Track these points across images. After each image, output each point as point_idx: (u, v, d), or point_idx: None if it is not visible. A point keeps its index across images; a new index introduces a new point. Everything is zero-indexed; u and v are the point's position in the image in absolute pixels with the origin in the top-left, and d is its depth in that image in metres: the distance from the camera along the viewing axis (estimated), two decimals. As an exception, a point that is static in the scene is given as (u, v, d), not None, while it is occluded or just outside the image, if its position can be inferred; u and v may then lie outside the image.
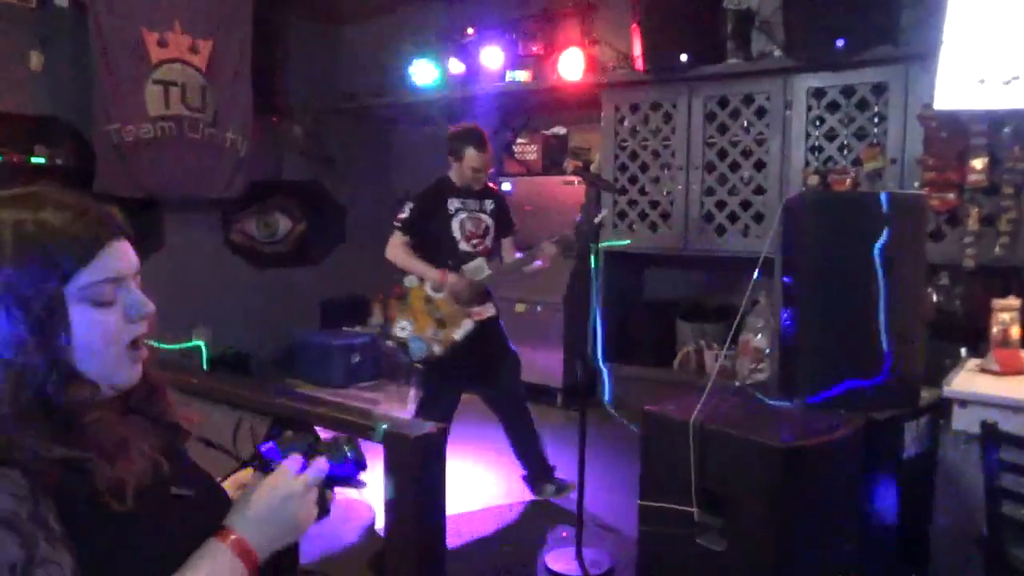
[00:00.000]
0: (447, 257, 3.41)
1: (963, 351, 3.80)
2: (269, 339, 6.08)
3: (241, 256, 6.06)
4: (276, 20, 5.93)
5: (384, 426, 1.49)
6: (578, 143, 5.64)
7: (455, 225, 3.43)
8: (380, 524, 3.27)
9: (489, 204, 3.54)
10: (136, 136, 5.07)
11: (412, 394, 3.48)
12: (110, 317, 0.94)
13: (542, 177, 5.49)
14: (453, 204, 3.45)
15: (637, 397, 4.93)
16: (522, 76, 5.32)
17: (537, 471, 3.57)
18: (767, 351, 4.61)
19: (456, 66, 5.61)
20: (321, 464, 1.02)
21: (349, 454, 1.04)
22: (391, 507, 1.51)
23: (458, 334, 3.36)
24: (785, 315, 2.59)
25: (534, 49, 5.30)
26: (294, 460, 1.01)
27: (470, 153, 3.43)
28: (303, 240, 6.45)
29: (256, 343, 6.01)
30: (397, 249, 3.46)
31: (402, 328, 3.42)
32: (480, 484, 3.85)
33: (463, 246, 3.43)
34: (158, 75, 5.16)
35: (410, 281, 3.47)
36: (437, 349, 3.37)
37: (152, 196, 5.25)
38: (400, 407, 5.17)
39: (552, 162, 5.55)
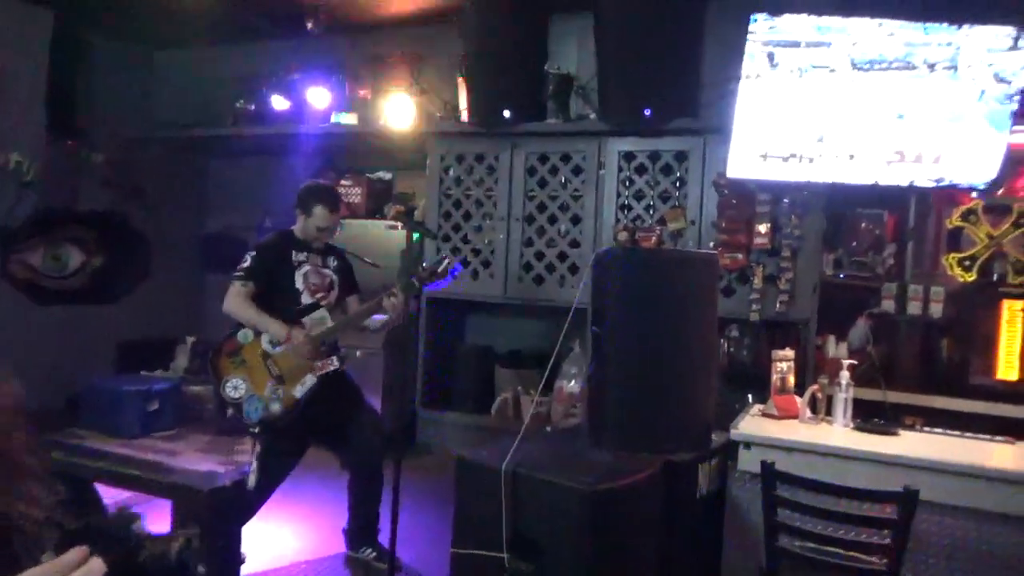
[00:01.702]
0: (289, 308, 3.27)
1: (750, 397, 4.17)
2: (52, 385, 5.45)
3: (21, 291, 5.42)
4: (80, 40, 5.49)
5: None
6: (403, 188, 5.66)
7: (299, 277, 3.33)
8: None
9: (332, 261, 3.47)
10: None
11: (253, 451, 3.20)
12: None
13: (366, 220, 5.44)
14: (297, 256, 3.35)
15: (456, 443, 4.95)
16: (349, 119, 5.28)
17: (363, 530, 3.43)
18: (579, 396, 4.80)
19: (280, 103, 5.46)
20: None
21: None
22: (179, 567, 1.39)
23: (299, 391, 3.20)
24: (593, 363, 2.71)
25: (361, 93, 5.28)
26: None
27: (319, 211, 3.35)
28: (99, 275, 5.91)
29: (40, 389, 5.33)
30: (237, 300, 3.26)
31: (235, 387, 3.24)
32: (286, 535, 3.65)
33: (305, 298, 3.31)
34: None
35: (244, 336, 3.27)
36: (276, 408, 3.19)
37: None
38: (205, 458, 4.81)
39: (377, 206, 5.52)
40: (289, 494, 3.81)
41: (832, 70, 3.81)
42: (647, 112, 4.28)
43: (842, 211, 4.19)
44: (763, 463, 2.19)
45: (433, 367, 5.18)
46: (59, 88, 5.20)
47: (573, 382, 4.83)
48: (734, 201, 4.27)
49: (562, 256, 4.80)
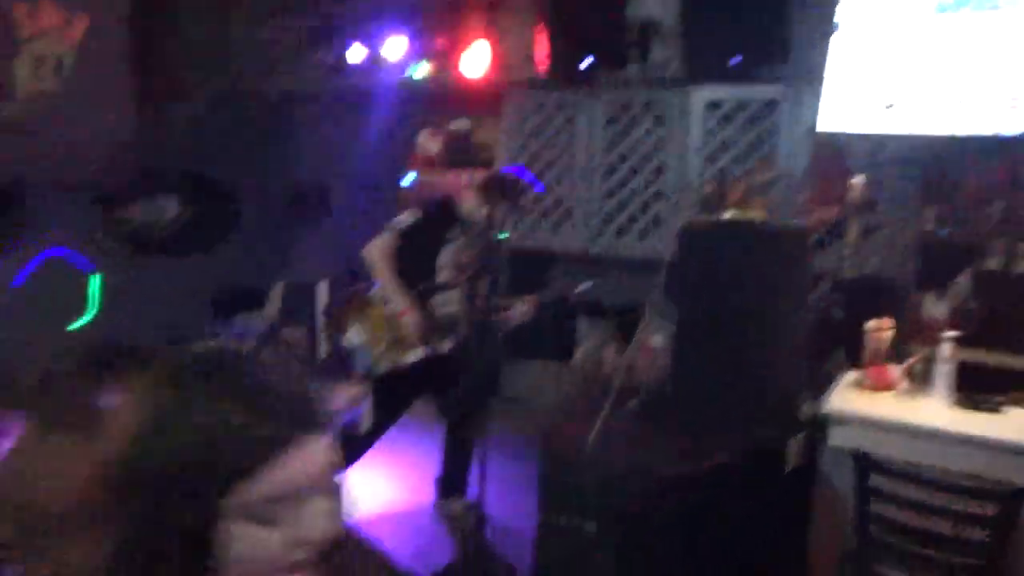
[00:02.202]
0: (424, 280, 3.28)
1: (841, 355, 4.06)
2: (153, 332, 5.77)
3: (123, 244, 5.70)
4: (162, -4, 5.58)
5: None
6: (482, 138, 5.61)
7: (445, 252, 3.29)
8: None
9: (484, 240, 3.35)
10: (2, 115, 4.67)
11: (366, 399, 3.35)
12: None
13: (444, 173, 5.43)
14: (453, 232, 3.30)
15: (538, 393, 5.04)
16: (425, 69, 5.22)
17: (453, 480, 3.54)
18: (663, 349, 4.77)
19: (357, 54, 5.44)
20: None
21: None
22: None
23: (408, 359, 3.25)
24: (677, 340, 2.68)
25: (439, 42, 5.20)
26: None
27: (500, 205, 3.25)
28: (192, 227, 6.14)
29: (142, 336, 5.69)
30: (380, 252, 3.24)
31: (353, 337, 3.30)
32: (379, 483, 3.81)
33: (443, 275, 3.30)
34: (28, 50, 4.76)
35: (377, 294, 3.32)
36: (383, 367, 3.27)
37: (23, 181, 4.86)
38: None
39: (456, 158, 5.50)
40: (382, 441, 3.98)
41: (943, 8, 3.54)
42: (735, 59, 4.07)
43: (946, 164, 3.93)
44: (856, 453, 2.14)
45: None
46: (146, 46, 5.31)
47: (657, 336, 4.80)
48: (828, 152, 4.06)
49: (644, 208, 4.71)
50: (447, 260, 3.30)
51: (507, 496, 3.57)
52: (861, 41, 3.65)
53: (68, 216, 5.28)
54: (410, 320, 3.21)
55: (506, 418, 4.37)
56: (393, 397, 3.38)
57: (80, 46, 4.98)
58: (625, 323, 5.01)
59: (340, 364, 5.59)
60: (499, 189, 3.31)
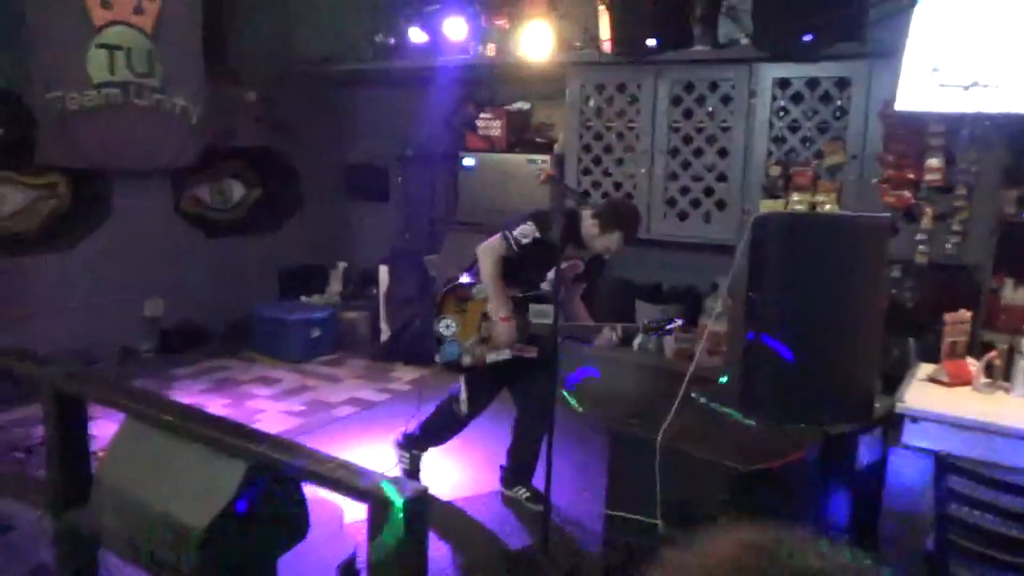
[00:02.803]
0: (522, 286, 3.35)
1: (911, 342, 3.96)
2: (224, 310, 5.97)
3: (193, 224, 5.88)
4: (227, -20, 5.65)
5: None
6: (542, 119, 5.58)
7: (555, 269, 3.28)
8: (347, 521, 3.34)
9: (588, 255, 3.44)
10: (80, 104, 4.83)
11: (464, 399, 3.51)
12: None
13: (505, 154, 5.43)
14: (569, 251, 3.30)
15: (598, 379, 5.04)
16: (486, 49, 5.20)
17: (519, 469, 3.59)
18: (724, 334, 4.72)
19: (418, 35, 5.45)
20: None
21: None
22: (373, 570, 1.53)
23: (492, 357, 3.35)
24: (750, 331, 2.64)
25: (499, 22, 5.17)
26: None
27: (616, 236, 3.29)
28: (258, 208, 6.30)
29: (210, 315, 5.90)
30: (492, 259, 3.29)
31: (446, 327, 3.39)
32: (448, 468, 3.89)
33: (545, 286, 3.36)
34: (101, 39, 4.90)
35: (479, 291, 3.39)
36: (467, 360, 3.38)
37: (98, 166, 5.03)
38: (363, 385, 5.17)
39: (516, 138, 5.49)
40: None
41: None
42: (807, 36, 3.94)
43: (1029, 143, 3.77)
44: (936, 456, 2.10)
45: (574, 300, 5.23)
46: (211, 31, 5.41)
47: (718, 321, 4.75)
48: (902, 132, 3.93)
49: (708, 191, 4.63)
50: (553, 275, 3.30)
51: (571, 483, 3.62)
52: (940, 17, 3.50)
53: (144, 199, 5.47)
54: (506, 328, 3.29)
55: (566, 405, 4.41)
56: (483, 386, 3.48)
57: (152, 33, 5.10)
58: (686, 308, 4.99)
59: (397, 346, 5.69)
60: (618, 221, 3.32)
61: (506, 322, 3.30)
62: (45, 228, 4.99)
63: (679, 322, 3.41)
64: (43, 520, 2.57)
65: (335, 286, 6.60)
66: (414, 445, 3.69)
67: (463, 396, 3.43)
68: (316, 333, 5.78)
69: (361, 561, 2.74)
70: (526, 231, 3.25)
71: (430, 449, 3.71)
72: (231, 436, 1.84)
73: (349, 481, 1.61)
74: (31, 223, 4.89)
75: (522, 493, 3.57)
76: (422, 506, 1.52)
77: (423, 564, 1.53)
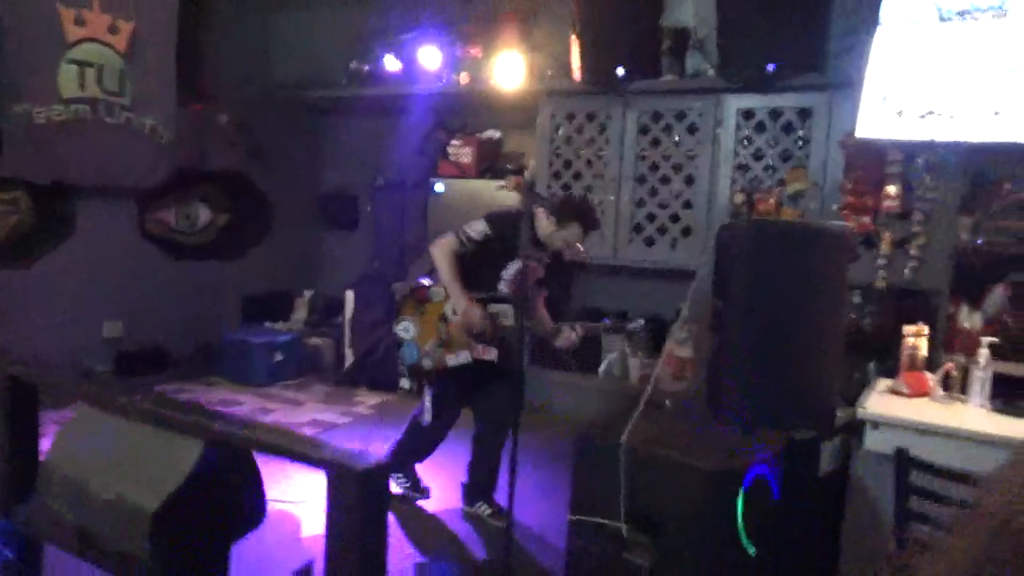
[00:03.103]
0: (479, 287, 3.33)
1: (871, 366, 4.02)
2: (187, 335, 5.86)
3: (158, 247, 5.80)
4: (203, 4, 5.70)
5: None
6: (513, 148, 5.66)
7: (511, 267, 3.33)
8: (305, 532, 3.25)
9: (546, 259, 3.45)
10: (48, 118, 4.79)
11: (427, 407, 3.47)
12: None
13: (475, 180, 5.49)
14: (525, 251, 3.24)
15: (563, 402, 5.03)
16: (460, 78, 5.29)
17: (480, 486, 3.55)
18: (690, 360, 4.75)
19: (392, 63, 5.53)
20: None
21: None
22: (331, 539, 1.49)
23: (452, 360, 3.34)
24: (715, 338, 2.67)
25: (472, 52, 5.27)
26: None
27: (574, 229, 3.32)
28: (225, 232, 6.24)
29: (173, 338, 5.79)
30: (447, 255, 3.29)
31: (405, 329, 3.39)
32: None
33: (502, 286, 3.36)
34: (73, 54, 4.89)
35: (436, 294, 3.38)
36: (427, 364, 3.36)
37: (64, 182, 4.97)
38: (327, 408, 5.09)
39: (486, 166, 5.55)
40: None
41: (976, 18, 3.53)
42: (771, 67, 4.09)
43: (983, 173, 3.90)
44: (897, 450, 2.12)
45: (541, 326, 5.24)
46: (185, 52, 5.43)
47: (683, 346, 4.78)
48: (862, 161, 4.05)
49: (674, 217, 4.72)
50: (511, 275, 3.33)
51: (535, 502, 3.58)
52: (898, 48, 3.65)
53: (108, 219, 5.40)
54: (475, 312, 3.25)
55: (533, 428, 4.39)
56: (446, 394, 3.45)
57: (126, 51, 5.10)
58: (652, 333, 5.02)
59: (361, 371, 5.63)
60: (573, 213, 3.35)
61: (472, 306, 3.25)
62: (6, 244, 4.89)
63: (640, 322, 3.44)
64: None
65: (300, 313, 6.53)
66: (395, 468, 3.62)
67: (426, 404, 3.39)
68: (279, 357, 5.70)
69: (318, 570, 2.67)
70: (477, 228, 3.30)
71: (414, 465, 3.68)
72: (187, 415, 1.80)
73: (309, 452, 1.58)
74: (-9, 236, 4.80)
75: (483, 509, 3.51)
76: (380, 476, 1.50)
77: (383, 535, 1.49)
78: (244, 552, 2.10)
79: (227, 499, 1.83)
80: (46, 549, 2.21)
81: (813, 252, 2.54)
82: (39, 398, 2.21)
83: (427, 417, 3.41)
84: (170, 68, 5.34)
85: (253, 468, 1.86)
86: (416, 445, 3.59)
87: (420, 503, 3.66)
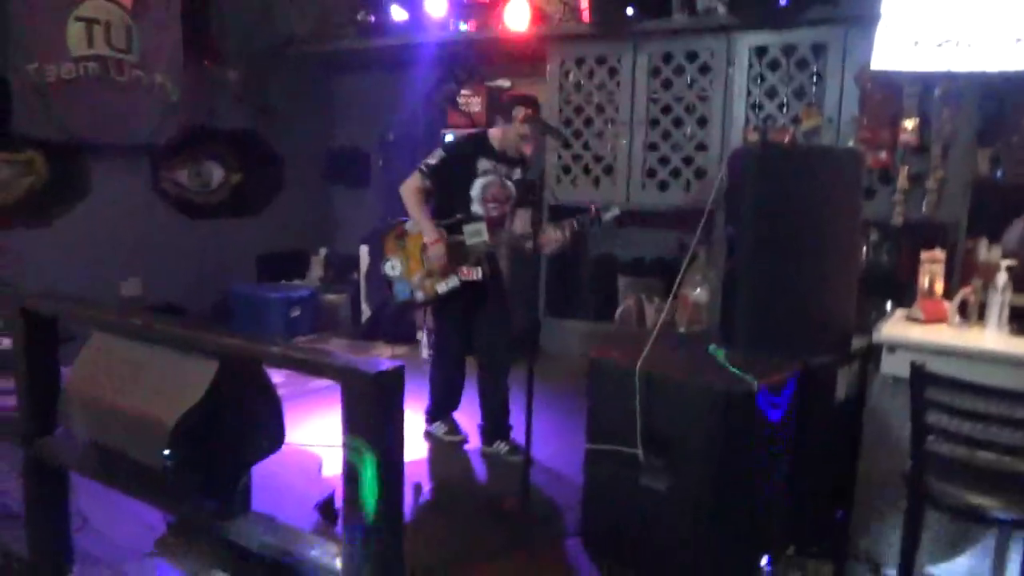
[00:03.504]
0: (457, 212, 3.42)
1: (888, 304, 3.98)
2: (203, 292, 5.91)
3: (172, 206, 5.83)
4: (209, -41, 5.66)
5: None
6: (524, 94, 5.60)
7: (476, 184, 3.41)
8: (326, 471, 3.30)
9: (517, 172, 3.52)
10: (57, 75, 4.79)
11: (424, 337, 3.61)
12: None
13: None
14: (483, 164, 3.42)
15: (579, 350, 5.04)
16: (467, 26, 5.23)
17: (495, 426, 3.60)
18: (706, 304, 4.74)
19: (399, 13, 5.47)
20: None
21: None
22: (348, 446, 1.50)
23: (441, 287, 3.42)
24: (727, 264, 2.65)
25: (479, -2, 5.21)
26: None
27: (520, 123, 3.36)
28: (238, 190, 6.25)
29: (189, 296, 5.83)
30: (412, 192, 3.42)
31: (392, 267, 3.48)
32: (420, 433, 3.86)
33: (476, 207, 3.42)
34: (80, 12, 4.87)
35: (412, 226, 3.48)
36: (419, 296, 3.46)
37: (75, 139, 4.99)
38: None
39: (496, 114, 5.50)
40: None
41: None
42: (783, 2, 4.00)
43: (1001, 104, 3.82)
44: (913, 363, 2.11)
45: (555, 275, 5.23)
46: (191, 9, 5.40)
47: (699, 289, 4.77)
48: (878, 95, 3.98)
49: (687, 160, 4.67)
50: (478, 193, 3.42)
51: (553, 442, 3.61)
52: (914, -24, 3.56)
53: (123, 179, 5.42)
54: (436, 249, 3.36)
55: (549, 375, 4.41)
56: (445, 321, 3.59)
57: (132, 8, 5.08)
58: (667, 279, 5.00)
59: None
60: (508, 105, 3.47)
61: (435, 244, 3.37)
62: (22, 204, 4.93)
63: (616, 211, 3.47)
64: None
65: (316, 271, 6.56)
66: (435, 417, 3.74)
67: (428, 338, 3.50)
68: (296, 312, 5.74)
69: (339, 500, 2.71)
70: (433, 154, 3.45)
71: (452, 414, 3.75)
72: (202, 333, 1.82)
73: (323, 362, 1.59)
74: (7, 198, 4.83)
75: (501, 447, 3.55)
76: (395, 378, 1.50)
77: (399, 439, 1.51)
78: (267, 486, 2.14)
79: (245, 419, 1.85)
80: (72, 479, 2.26)
81: (822, 173, 2.51)
82: (58, 330, 2.24)
83: (432, 350, 3.56)
84: (176, 25, 5.32)
85: (271, 392, 1.88)
86: (440, 391, 3.67)
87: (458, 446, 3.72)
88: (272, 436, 1.95)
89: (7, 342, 3.00)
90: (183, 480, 1.79)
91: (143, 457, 1.78)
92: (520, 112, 3.32)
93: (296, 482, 3.09)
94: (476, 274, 3.43)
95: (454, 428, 3.74)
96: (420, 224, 3.42)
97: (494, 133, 3.48)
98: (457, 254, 3.40)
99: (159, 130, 5.37)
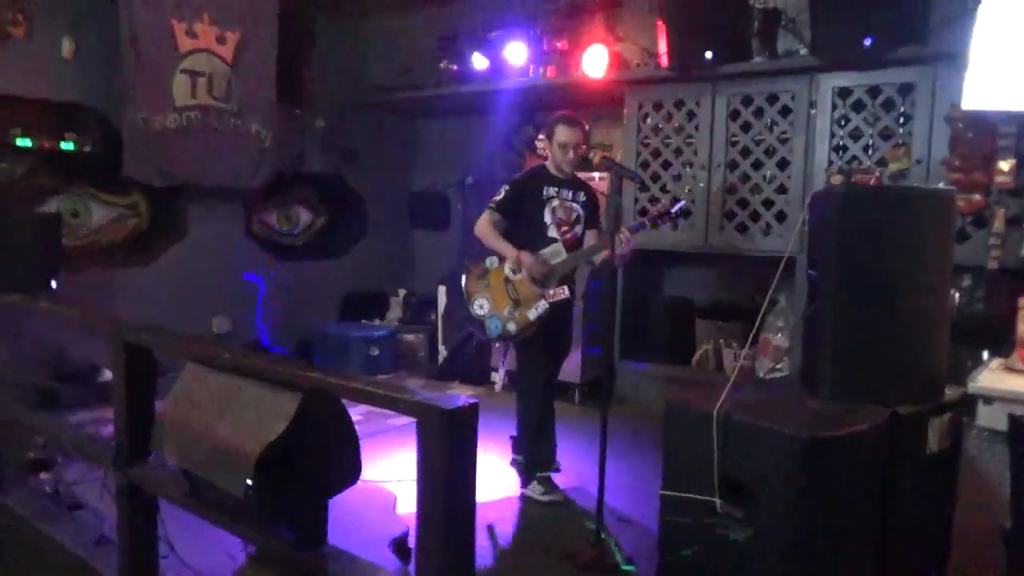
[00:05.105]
0: (536, 240, 3.49)
1: (985, 354, 3.78)
2: (289, 331, 6.12)
3: (262, 247, 6.10)
4: (301, 14, 5.98)
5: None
6: (601, 139, 5.66)
7: (547, 211, 3.50)
8: (401, 509, 3.33)
9: (582, 195, 3.60)
10: (163, 124, 5.13)
11: (501, 374, 3.63)
12: None
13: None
14: (548, 191, 3.52)
15: (654, 395, 4.96)
16: (546, 72, 5.34)
17: (531, 458, 3.58)
18: (787, 350, 4.61)
19: (480, 61, 5.63)
20: None
21: None
22: (423, 481, 1.53)
23: (532, 314, 3.43)
24: (808, 308, 2.58)
25: (558, 45, 5.31)
26: None
27: (559, 130, 3.50)
28: (323, 233, 6.49)
29: (275, 334, 6.05)
30: (486, 226, 3.52)
31: (480, 306, 3.51)
32: (495, 473, 3.85)
33: (551, 232, 3.50)
34: (185, 65, 5.22)
35: (491, 262, 3.55)
36: (512, 328, 3.46)
37: (177, 184, 5.30)
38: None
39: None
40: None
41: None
42: (868, 41, 3.93)
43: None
44: (1011, 416, 1.99)
45: (631, 318, 5.19)
46: (284, 60, 5.71)
47: (780, 335, 4.65)
48: (970, 135, 3.84)
49: (767, 203, 4.60)
50: (550, 219, 3.50)
51: (625, 484, 3.55)
52: (1006, 14, 3.45)
53: (218, 220, 5.72)
54: (527, 258, 3.40)
55: (622, 419, 4.35)
56: (532, 351, 3.58)
57: (232, 61, 5.41)
58: (746, 324, 4.89)
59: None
60: (551, 121, 3.60)
61: (519, 256, 3.41)
62: (126, 244, 5.25)
63: (683, 203, 3.51)
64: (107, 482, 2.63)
65: (395, 311, 6.70)
66: (519, 449, 3.67)
67: (501, 372, 3.49)
68: (375, 351, 5.87)
69: (412, 539, 2.73)
70: (500, 191, 3.55)
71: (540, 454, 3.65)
72: (286, 366, 1.89)
73: (399, 398, 1.63)
74: (115, 237, 5.17)
75: (536, 490, 3.54)
76: (470, 415, 1.53)
77: (471, 475, 1.52)
78: (343, 520, 2.19)
79: (324, 452, 1.91)
80: (161, 506, 2.36)
81: (909, 214, 2.43)
82: (155, 363, 2.37)
83: (498, 384, 3.53)
84: (271, 75, 5.62)
85: (349, 426, 1.94)
86: (528, 427, 3.59)
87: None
88: (349, 470, 1.99)
89: (108, 375, 3.19)
90: (264, 509, 1.85)
91: (228, 486, 1.85)
92: (596, 155, 3.37)
93: (371, 519, 3.13)
94: (564, 292, 3.45)
95: (551, 487, 3.59)
96: (499, 249, 3.48)
97: (548, 161, 3.58)
98: (541, 278, 3.46)
99: (253, 175, 5.65)
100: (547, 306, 3.43)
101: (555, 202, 3.51)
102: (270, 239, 6.15)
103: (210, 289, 5.66)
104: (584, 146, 3.60)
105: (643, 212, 4.89)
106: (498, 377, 3.59)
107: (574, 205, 3.56)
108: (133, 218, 5.29)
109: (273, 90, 5.65)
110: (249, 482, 1.79)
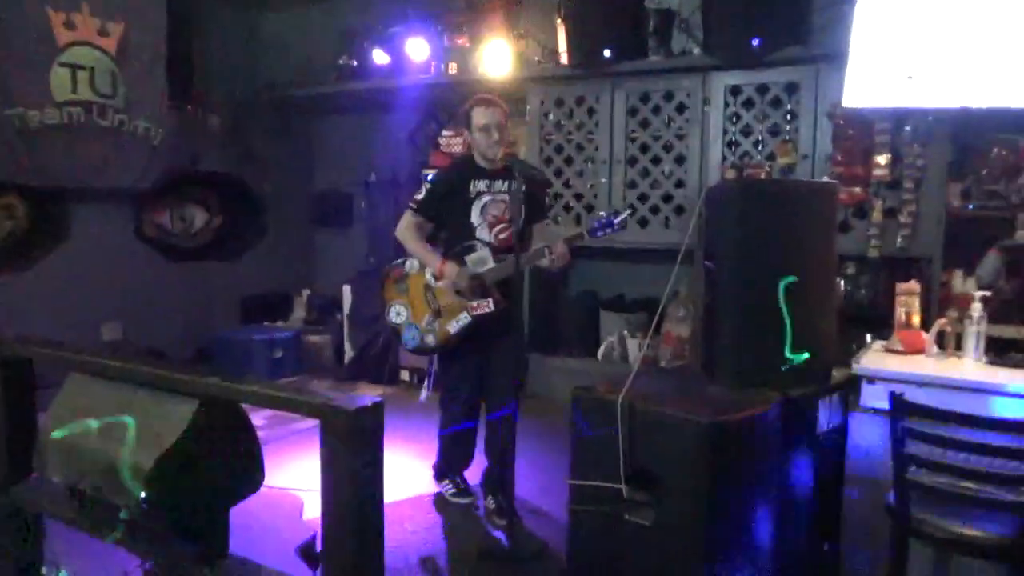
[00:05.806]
0: (464, 243, 3.19)
1: (868, 337, 4.02)
2: (185, 335, 5.87)
3: (154, 249, 5.82)
4: (193, 6, 5.74)
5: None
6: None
7: (475, 209, 3.18)
8: (308, 514, 3.25)
9: (514, 185, 3.08)
10: (41, 121, 4.81)
11: (428, 383, 3.37)
12: None
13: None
14: (476, 186, 3.17)
15: (563, 387, 5.02)
16: (448, 68, 5.32)
17: (490, 478, 3.43)
18: (687, 339, 4.76)
19: (380, 57, 5.55)
20: None
21: None
22: (328, 484, 1.49)
23: (453, 327, 3.18)
24: (707, 298, 2.68)
25: (460, 42, 5.30)
26: None
27: (476, 112, 3.16)
28: (221, 234, 6.25)
29: (171, 340, 5.79)
30: (405, 230, 3.23)
31: (396, 314, 3.27)
32: (406, 472, 3.81)
33: (481, 233, 3.19)
34: (64, 58, 4.91)
35: (411, 265, 3.27)
36: (431, 340, 3.22)
37: (58, 185, 4.99)
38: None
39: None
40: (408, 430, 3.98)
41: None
42: (756, 42, 4.11)
43: (970, 138, 3.92)
44: (892, 394, 2.12)
45: (538, 312, 5.25)
46: (175, 55, 5.45)
47: (681, 325, 4.80)
48: (850, 131, 4.08)
49: (667, 197, 4.73)
50: (478, 218, 3.20)
51: (536, 482, 3.58)
52: (881, 15, 3.66)
53: (104, 221, 5.42)
54: (450, 267, 3.14)
55: (532, 413, 4.39)
56: (452, 365, 3.35)
57: (116, 54, 5.13)
58: (649, 316, 5.03)
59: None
60: (466, 105, 3.32)
61: (444, 264, 3.14)
62: (1, 249, 4.90)
63: (626, 214, 3.18)
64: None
65: (299, 312, 6.54)
66: (443, 474, 3.51)
67: (428, 380, 3.35)
68: (279, 354, 5.70)
69: (320, 544, 2.67)
70: (421, 189, 3.27)
71: (463, 472, 3.52)
72: (180, 374, 1.81)
73: (301, 400, 1.58)
74: (-13, 243, 4.82)
75: (490, 503, 3.37)
76: (375, 415, 1.50)
77: (378, 476, 1.50)
78: (247, 528, 2.11)
79: (223, 460, 1.83)
80: (47, 526, 2.22)
81: (797, 206, 2.56)
82: (34, 374, 2.21)
83: (423, 395, 3.38)
84: (160, 70, 5.36)
85: (250, 432, 1.87)
86: (449, 445, 3.41)
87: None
88: (252, 477, 1.93)
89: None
90: (161, 523, 1.76)
91: (120, 501, 1.75)
92: (500, 151, 3.25)
93: (278, 526, 3.04)
94: (487, 306, 3.15)
95: (464, 489, 3.47)
96: (421, 256, 3.21)
97: (474, 151, 3.24)
98: (462, 286, 3.17)
99: (143, 175, 5.38)
100: (469, 320, 3.16)
101: (485, 198, 3.17)
102: (163, 240, 5.87)
103: (98, 294, 5.36)
104: (505, 125, 3.23)
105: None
106: (424, 387, 3.33)
107: (503, 200, 3.21)
108: (9, 220, 4.94)
109: (163, 86, 5.38)
110: (143, 495, 1.70)
